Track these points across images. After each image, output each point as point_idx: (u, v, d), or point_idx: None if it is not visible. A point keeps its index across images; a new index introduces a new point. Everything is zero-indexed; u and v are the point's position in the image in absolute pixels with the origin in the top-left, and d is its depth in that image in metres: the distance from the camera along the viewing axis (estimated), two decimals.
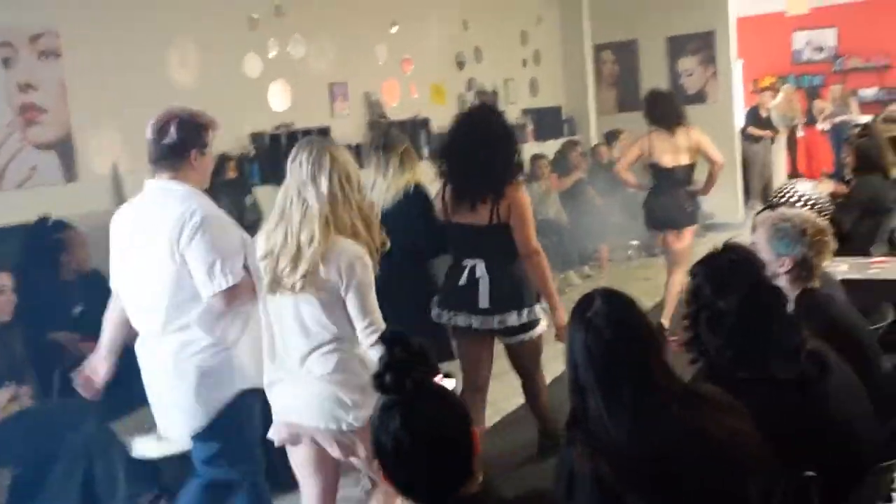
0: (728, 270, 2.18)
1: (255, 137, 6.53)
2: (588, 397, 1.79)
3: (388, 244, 2.90)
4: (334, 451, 2.87)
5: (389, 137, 4.39)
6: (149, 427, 3.93)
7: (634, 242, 9.37)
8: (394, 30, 7.99)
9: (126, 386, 4.11)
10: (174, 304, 2.90)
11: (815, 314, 2.56)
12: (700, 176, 6.37)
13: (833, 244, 2.96)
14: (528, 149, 9.04)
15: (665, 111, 6.13)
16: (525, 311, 3.92)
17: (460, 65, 8.97)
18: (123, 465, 3.75)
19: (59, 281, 4.32)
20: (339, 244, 2.72)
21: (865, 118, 10.12)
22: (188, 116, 3.01)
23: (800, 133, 12.43)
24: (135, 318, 3.10)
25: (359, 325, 2.75)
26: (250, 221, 5.42)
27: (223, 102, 6.18)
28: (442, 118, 8.53)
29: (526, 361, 4.13)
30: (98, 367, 3.20)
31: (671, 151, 6.07)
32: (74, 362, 4.10)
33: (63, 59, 5.09)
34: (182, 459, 3.88)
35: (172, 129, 2.93)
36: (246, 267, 2.89)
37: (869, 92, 13.05)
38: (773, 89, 12.65)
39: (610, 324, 1.80)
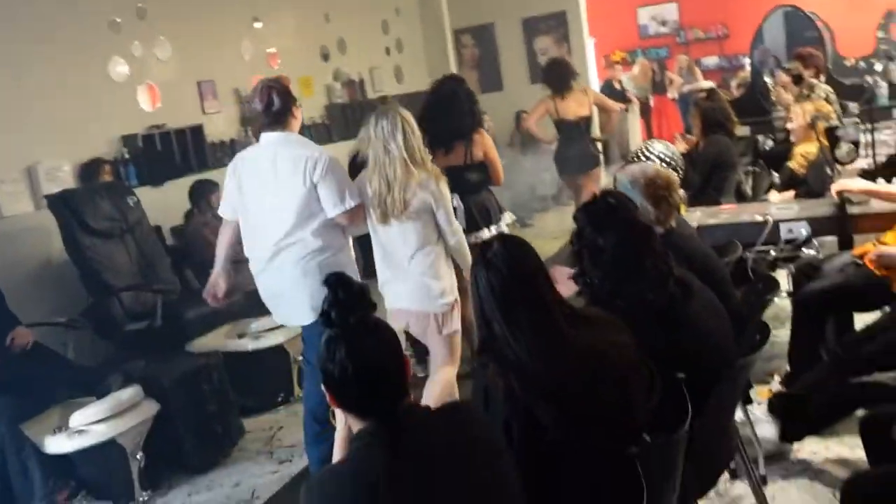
0: (605, 212, 2.49)
1: (128, 140, 6.51)
2: (493, 326, 2.05)
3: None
4: (429, 328, 3.84)
5: (385, 105, 5.14)
6: (59, 425, 4.00)
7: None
8: (257, 25, 8.07)
9: (33, 389, 4.16)
10: (299, 220, 3.65)
11: (673, 251, 2.90)
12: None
13: (673, 195, 3.32)
14: None
15: (556, 77, 6.99)
16: (493, 227, 5.02)
17: (325, 56, 9.12)
18: (38, 463, 3.79)
19: None
20: (423, 176, 3.70)
21: (709, 83, 10.83)
22: (279, 84, 3.76)
23: (651, 102, 13.15)
24: (257, 235, 3.77)
25: (446, 230, 3.84)
26: (134, 221, 5.49)
27: (91, 106, 6.19)
28: (312, 109, 8.71)
29: None
30: (219, 281, 3.96)
31: (573, 107, 6.97)
32: None
33: None
34: (95, 451, 3.97)
35: (275, 98, 3.66)
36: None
37: (710, 60, 13.94)
38: (624, 63, 13.33)
39: (507, 262, 2.07)
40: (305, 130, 8.42)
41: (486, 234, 4.89)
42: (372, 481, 1.63)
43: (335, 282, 1.74)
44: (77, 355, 4.82)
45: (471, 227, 4.86)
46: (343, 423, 1.80)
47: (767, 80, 9.94)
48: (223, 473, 4.43)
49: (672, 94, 12.55)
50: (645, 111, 12.71)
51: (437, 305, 3.81)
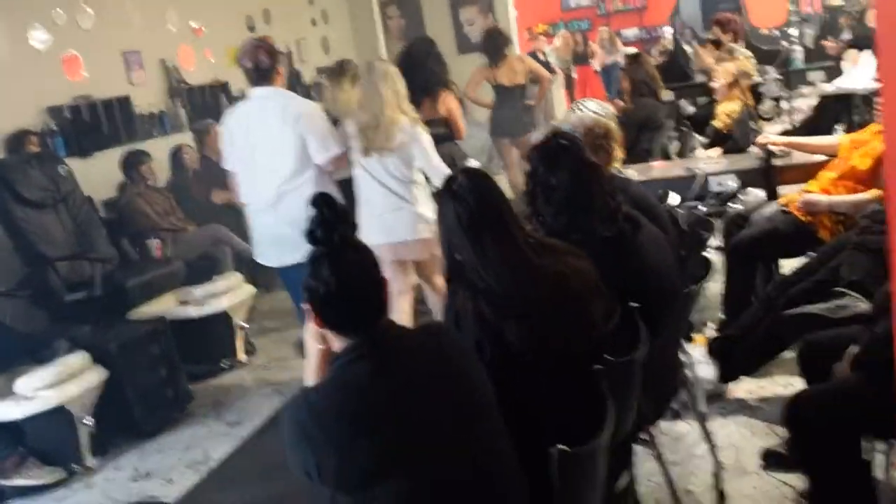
0: (557, 152, 2.58)
1: (53, 111, 6.36)
2: (462, 254, 2.13)
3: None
4: (422, 253, 4.36)
5: (343, 64, 5.78)
6: (3, 393, 3.94)
7: None
8: None
9: None
10: (299, 166, 4.11)
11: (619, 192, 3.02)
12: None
13: (612, 143, 3.44)
14: None
15: (492, 47, 7.35)
16: None
17: (251, 28, 9.00)
18: None
19: None
20: (404, 120, 4.20)
21: (633, 49, 11.06)
22: (266, 44, 4.18)
23: (574, 74, 13.35)
24: (256, 181, 4.22)
25: (426, 167, 4.28)
26: (67, 191, 5.39)
27: (14, 76, 6.02)
28: (240, 81, 8.60)
29: None
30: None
31: (510, 74, 7.33)
32: None
33: None
34: (43, 417, 3.93)
35: (262, 57, 4.09)
36: None
37: (630, 32, 14.23)
38: (546, 35, 13.49)
39: (472, 193, 2.15)
40: (235, 104, 8.34)
41: None
42: (360, 388, 1.69)
43: (320, 201, 1.79)
44: (14, 326, 4.72)
45: None
46: (313, 355, 1.85)
47: (687, 48, 10.23)
48: (173, 438, 4.42)
49: (595, 65, 12.77)
50: (568, 83, 12.90)
51: (425, 233, 4.28)
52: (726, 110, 5.73)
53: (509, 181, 7.51)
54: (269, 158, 4.09)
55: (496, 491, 1.78)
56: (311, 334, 1.95)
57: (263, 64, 4.06)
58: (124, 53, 7.17)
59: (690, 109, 8.38)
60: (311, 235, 1.77)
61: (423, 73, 5.33)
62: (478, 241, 2.11)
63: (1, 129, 5.87)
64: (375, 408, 1.69)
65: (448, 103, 5.49)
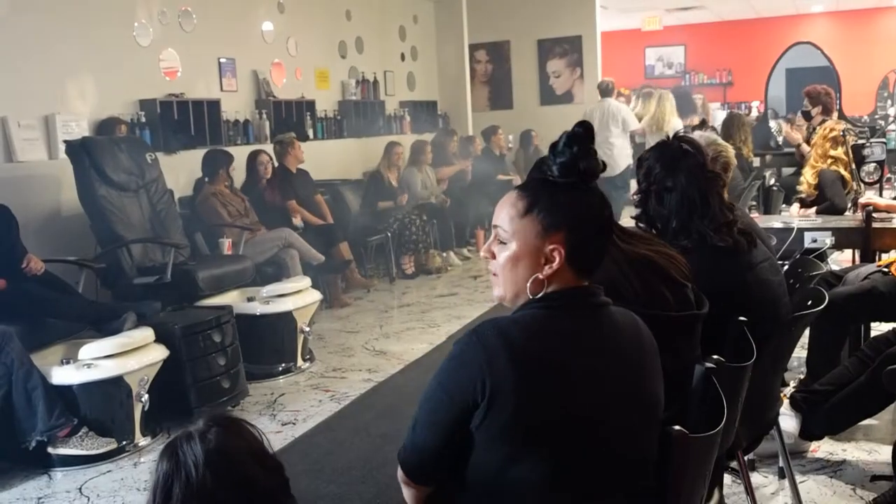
0: (677, 154, 2.48)
1: (145, 104, 6.45)
2: None
3: None
4: None
5: (644, 88, 9.76)
6: (68, 358, 3.90)
7: None
8: (281, 12, 8.08)
9: (46, 314, 4.06)
10: (621, 133, 8.86)
11: None
12: None
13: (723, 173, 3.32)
14: (406, 139, 9.32)
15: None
16: None
17: (343, 53, 9.13)
18: (43, 394, 3.67)
19: None
20: (675, 118, 8.59)
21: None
22: (607, 78, 9.03)
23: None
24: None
25: None
26: (150, 179, 5.42)
27: (113, 65, 6.14)
28: (325, 103, 8.71)
29: None
30: None
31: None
32: None
33: None
34: (100, 386, 3.87)
35: (608, 85, 8.92)
36: None
37: (713, 105, 14.15)
38: (626, 97, 13.48)
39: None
40: (318, 123, 8.44)
41: None
42: (567, 338, 1.57)
43: (584, 131, 1.62)
44: (85, 294, 4.70)
45: None
46: None
47: (772, 123, 10.13)
48: None
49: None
50: None
51: None
52: (810, 176, 5.55)
53: None
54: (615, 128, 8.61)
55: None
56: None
57: (606, 85, 8.80)
58: (220, 60, 7.29)
59: (772, 181, 8.26)
60: (570, 166, 1.59)
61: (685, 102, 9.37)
62: None
63: (94, 114, 5.97)
64: (576, 364, 1.55)
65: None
